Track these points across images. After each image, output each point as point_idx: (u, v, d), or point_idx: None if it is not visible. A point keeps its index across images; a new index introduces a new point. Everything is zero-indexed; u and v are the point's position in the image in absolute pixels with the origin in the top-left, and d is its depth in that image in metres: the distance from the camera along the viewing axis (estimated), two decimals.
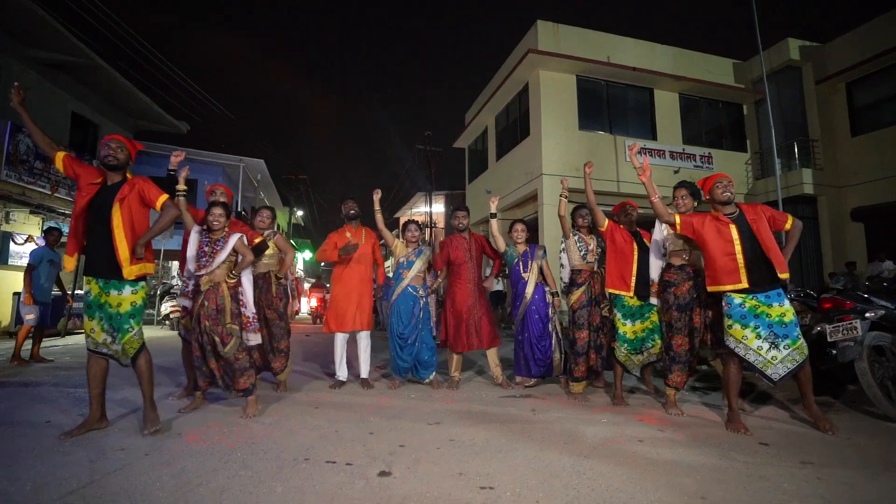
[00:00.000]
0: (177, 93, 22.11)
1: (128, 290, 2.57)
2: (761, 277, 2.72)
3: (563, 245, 3.93)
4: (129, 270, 2.53)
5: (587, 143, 10.73)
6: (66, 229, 9.81)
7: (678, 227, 2.97)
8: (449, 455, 2.29)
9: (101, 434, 2.53)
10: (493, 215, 4.14)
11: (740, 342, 2.73)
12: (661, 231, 3.35)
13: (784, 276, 2.68)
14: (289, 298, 3.91)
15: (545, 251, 4.08)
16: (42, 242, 9.40)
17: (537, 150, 10.69)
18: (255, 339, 3.37)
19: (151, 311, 13.12)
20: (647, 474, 2.04)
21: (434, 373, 4.05)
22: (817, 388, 3.30)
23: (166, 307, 11.74)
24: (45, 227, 5.55)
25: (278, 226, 3.90)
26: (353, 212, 4.18)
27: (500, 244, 4.08)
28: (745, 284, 2.72)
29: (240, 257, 3.14)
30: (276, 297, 3.72)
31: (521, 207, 12.43)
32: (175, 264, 14.30)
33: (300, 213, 23.12)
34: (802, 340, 2.67)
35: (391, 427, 2.78)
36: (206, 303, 2.98)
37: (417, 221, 4.26)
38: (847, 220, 10.86)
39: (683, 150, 11.45)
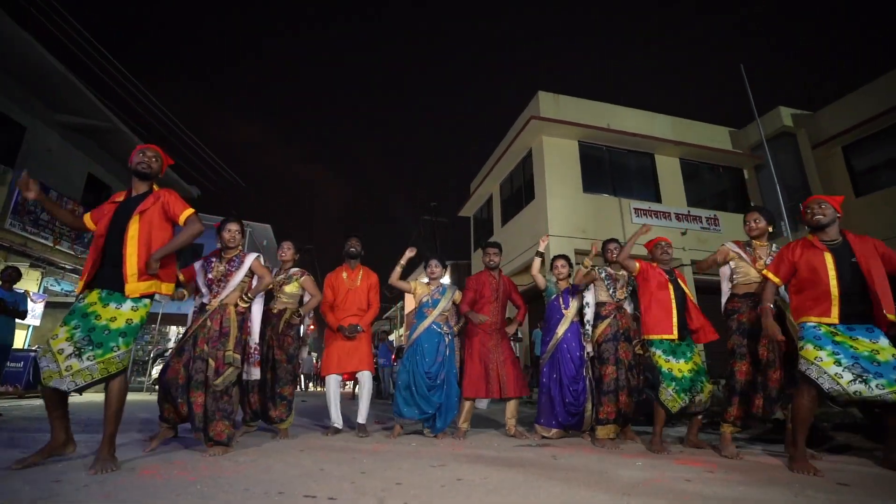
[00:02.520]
0: (189, 157, 22.83)
1: (128, 305, 2.26)
2: (853, 312, 2.38)
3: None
4: (135, 287, 2.25)
5: (592, 205, 10.78)
6: (62, 285, 9.65)
7: (778, 280, 2.63)
8: (456, 492, 1.85)
9: (47, 465, 2.11)
10: (540, 254, 3.91)
11: (812, 363, 2.30)
12: (729, 265, 3.14)
13: (891, 316, 2.30)
14: (300, 342, 3.62)
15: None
16: (38, 299, 9.22)
17: (543, 211, 10.71)
18: (255, 373, 3.01)
19: (143, 378, 12.51)
20: None
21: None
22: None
23: (158, 371, 11.21)
24: (2, 268, 5.19)
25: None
26: (353, 249, 3.90)
27: (540, 281, 3.87)
28: (834, 320, 2.37)
29: (255, 280, 2.89)
30: (288, 336, 3.43)
31: (527, 273, 12.19)
32: (173, 329, 13.90)
33: None
34: None
35: (387, 467, 2.34)
36: (208, 323, 2.68)
37: (439, 259, 3.96)
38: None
39: (689, 212, 11.45)
